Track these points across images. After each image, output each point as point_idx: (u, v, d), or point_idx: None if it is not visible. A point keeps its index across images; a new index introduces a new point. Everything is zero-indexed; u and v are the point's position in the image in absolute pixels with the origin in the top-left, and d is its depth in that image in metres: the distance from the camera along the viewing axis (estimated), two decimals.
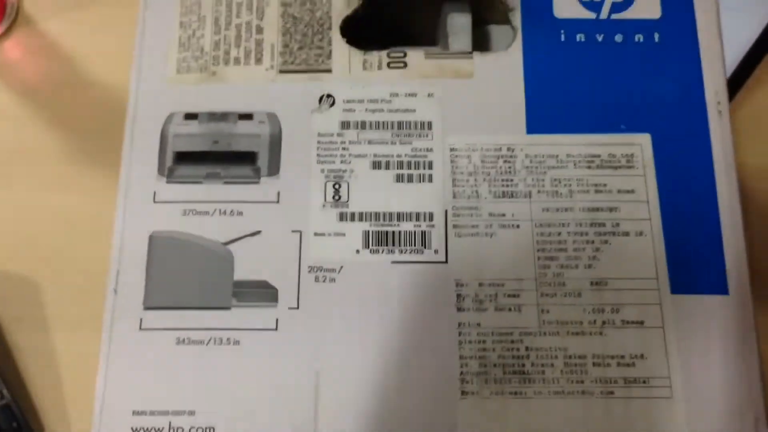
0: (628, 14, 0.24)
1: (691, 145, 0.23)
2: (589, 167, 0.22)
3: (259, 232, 0.22)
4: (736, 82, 0.49)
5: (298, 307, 0.21)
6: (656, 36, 0.23)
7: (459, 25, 0.25)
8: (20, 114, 0.48)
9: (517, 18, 0.24)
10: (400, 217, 0.22)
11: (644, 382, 0.21)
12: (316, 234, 0.22)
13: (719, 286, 0.21)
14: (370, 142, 0.23)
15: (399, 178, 0.22)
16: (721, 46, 0.23)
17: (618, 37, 0.24)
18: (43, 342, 0.42)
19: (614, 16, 0.24)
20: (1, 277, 0.44)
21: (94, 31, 0.51)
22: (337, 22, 0.24)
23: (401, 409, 0.20)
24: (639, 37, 0.23)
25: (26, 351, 0.42)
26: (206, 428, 0.20)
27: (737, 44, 0.45)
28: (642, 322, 0.21)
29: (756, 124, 0.51)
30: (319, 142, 0.23)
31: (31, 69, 0.50)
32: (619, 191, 0.22)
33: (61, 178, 0.46)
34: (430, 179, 0.22)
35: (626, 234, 0.22)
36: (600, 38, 0.24)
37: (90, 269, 0.43)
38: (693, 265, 0.21)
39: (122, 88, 0.50)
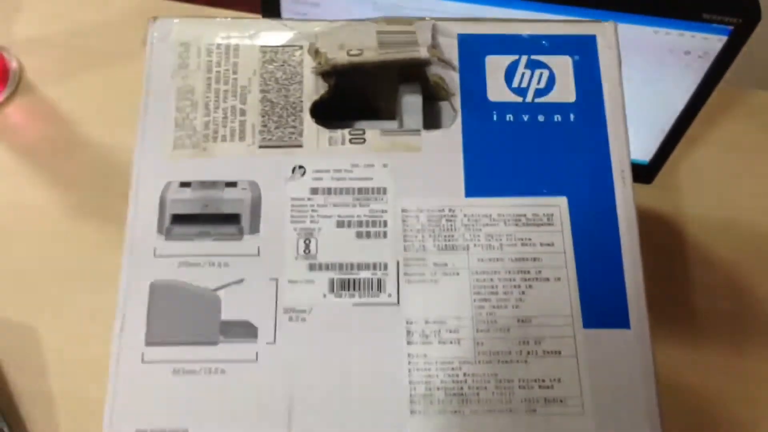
0: (549, 98, 0.29)
1: (600, 205, 0.27)
2: (516, 225, 0.27)
3: (242, 280, 0.26)
4: (673, 139, 0.54)
5: (274, 342, 0.25)
6: (572, 116, 0.28)
7: (411, 104, 0.30)
8: (22, 173, 0.53)
9: (457, 101, 0.29)
10: (359, 267, 0.26)
11: (561, 401, 0.25)
12: (290, 281, 0.26)
13: (622, 322, 0.26)
14: (335, 205, 0.27)
15: (359, 235, 0.27)
16: (624, 125, 0.28)
17: (540, 117, 0.29)
18: (42, 386, 0.46)
19: (537, 100, 0.29)
20: (3, 325, 0.48)
21: (91, 95, 0.56)
22: (307, 105, 0.28)
23: (362, 427, 0.24)
24: (558, 117, 0.28)
25: (27, 395, 0.46)
26: None
27: (671, 106, 0.50)
28: (559, 352, 0.26)
29: (692, 177, 0.57)
30: (292, 206, 0.27)
31: (32, 131, 0.55)
32: (541, 244, 0.27)
33: (59, 233, 0.50)
34: (385, 235, 0.27)
35: (546, 280, 0.26)
36: (526, 118, 0.29)
37: (86, 316, 0.47)
38: (600, 304, 0.26)
39: (117, 148, 0.55)
